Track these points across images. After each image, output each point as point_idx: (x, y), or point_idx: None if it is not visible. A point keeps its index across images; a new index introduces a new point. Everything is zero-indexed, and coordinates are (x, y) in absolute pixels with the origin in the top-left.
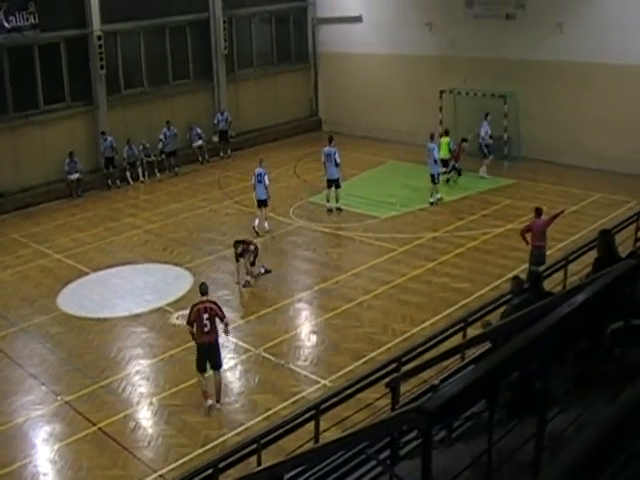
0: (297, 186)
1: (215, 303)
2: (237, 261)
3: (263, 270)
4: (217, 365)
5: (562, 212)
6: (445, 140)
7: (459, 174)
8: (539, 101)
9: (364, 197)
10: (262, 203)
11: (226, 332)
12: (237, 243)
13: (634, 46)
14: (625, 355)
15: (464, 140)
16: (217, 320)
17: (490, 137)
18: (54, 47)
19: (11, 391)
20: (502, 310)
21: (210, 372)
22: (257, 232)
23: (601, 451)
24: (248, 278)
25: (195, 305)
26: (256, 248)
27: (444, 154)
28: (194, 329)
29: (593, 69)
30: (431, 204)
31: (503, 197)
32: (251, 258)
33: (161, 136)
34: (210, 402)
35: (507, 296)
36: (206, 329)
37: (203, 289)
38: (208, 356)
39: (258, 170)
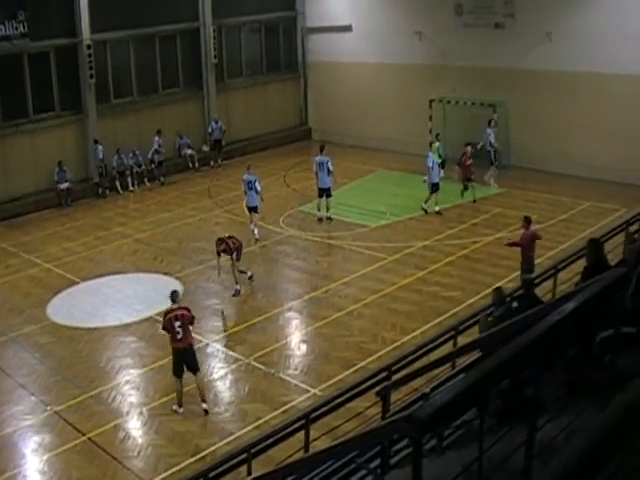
0: (287, 195)
1: (187, 309)
2: (218, 256)
3: (249, 274)
4: (195, 369)
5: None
6: (435, 145)
7: (465, 188)
8: (528, 110)
9: (354, 206)
10: (253, 210)
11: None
12: (220, 241)
13: (622, 55)
14: (614, 363)
15: (468, 144)
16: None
17: (490, 144)
18: (44, 56)
19: (0, 401)
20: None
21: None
22: (257, 239)
23: (591, 458)
24: (238, 287)
25: (167, 313)
26: (240, 245)
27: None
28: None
29: (581, 78)
30: (437, 212)
31: (493, 206)
32: (234, 256)
33: (156, 146)
34: (182, 409)
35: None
36: (179, 336)
37: (174, 297)
38: (184, 360)
39: (247, 177)
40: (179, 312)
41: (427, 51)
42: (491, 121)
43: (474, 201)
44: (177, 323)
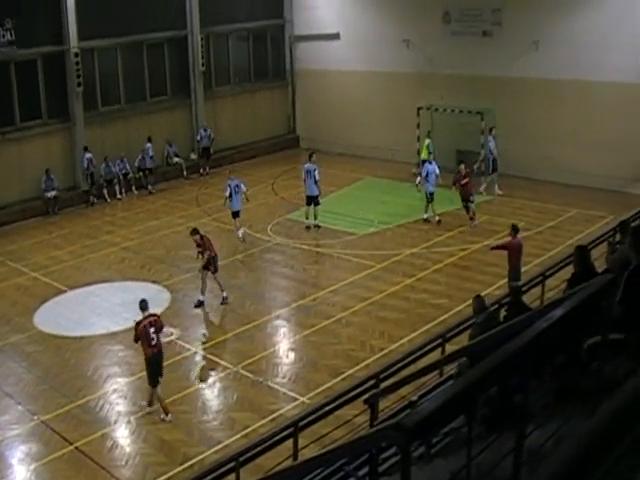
0: (275, 203)
1: (157, 315)
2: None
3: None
4: (161, 374)
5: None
6: (425, 143)
7: (466, 210)
8: (515, 117)
9: (342, 214)
10: (237, 214)
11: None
12: (195, 231)
13: (607, 63)
14: (602, 369)
15: (462, 163)
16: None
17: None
18: (31, 64)
19: None
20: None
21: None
22: (243, 240)
23: (579, 465)
24: (225, 294)
25: (140, 322)
26: (215, 256)
27: (424, 156)
28: (141, 344)
29: (568, 86)
30: (437, 221)
31: (480, 213)
32: (212, 269)
33: (151, 153)
34: (170, 416)
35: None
36: (153, 342)
37: (143, 305)
38: (157, 367)
39: (234, 182)
40: (151, 319)
41: (415, 59)
42: (492, 129)
43: (471, 219)
44: (152, 329)
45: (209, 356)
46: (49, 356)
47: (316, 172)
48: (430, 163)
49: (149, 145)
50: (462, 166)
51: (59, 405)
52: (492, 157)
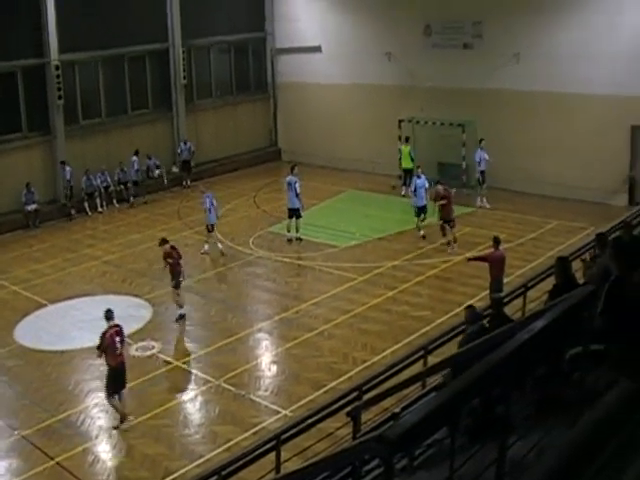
0: (257, 216)
1: (119, 326)
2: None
3: (180, 314)
4: (124, 385)
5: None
6: (406, 149)
7: (442, 231)
8: (496, 129)
9: (324, 226)
10: (213, 227)
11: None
12: (164, 242)
13: (587, 76)
14: (583, 380)
15: (439, 183)
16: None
17: (479, 163)
18: (11, 76)
19: None
20: (459, 339)
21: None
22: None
23: (561, 476)
24: (182, 312)
25: (106, 332)
26: (179, 273)
27: (406, 164)
28: (104, 354)
29: (548, 98)
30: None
31: (462, 225)
32: (173, 284)
33: (137, 166)
34: (126, 423)
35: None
36: (118, 351)
37: (109, 315)
38: (121, 377)
39: (209, 196)
40: (117, 328)
41: (396, 71)
42: (481, 141)
43: (448, 243)
44: (117, 338)
45: (191, 369)
46: (30, 370)
47: (297, 185)
48: (419, 177)
49: (135, 158)
50: (439, 187)
51: (40, 420)
52: (480, 169)
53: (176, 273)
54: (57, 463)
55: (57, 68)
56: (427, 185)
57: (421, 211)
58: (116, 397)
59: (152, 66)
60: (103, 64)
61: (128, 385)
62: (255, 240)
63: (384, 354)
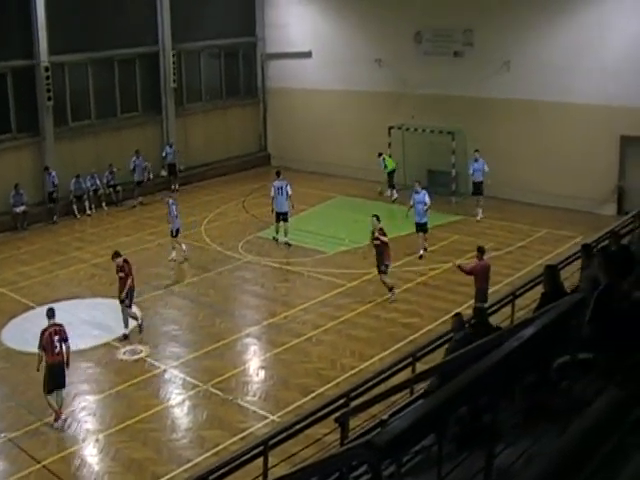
0: (246, 221)
1: (61, 326)
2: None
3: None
4: (64, 384)
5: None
6: (387, 158)
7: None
8: (486, 137)
9: (313, 232)
10: (178, 232)
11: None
12: (117, 255)
13: (576, 85)
14: (572, 389)
15: (375, 216)
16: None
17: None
18: (1, 77)
19: None
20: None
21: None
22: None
23: None
24: (140, 322)
25: (45, 330)
26: (132, 289)
27: (392, 166)
28: (44, 352)
29: (538, 106)
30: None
31: (450, 233)
32: (127, 301)
33: (132, 165)
34: (60, 421)
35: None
36: (57, 350)
37: (50, 313)
38: (57, 375)
39: (172, 201)
40: (57, 327)
41: (387, 78)
42: (477, 151)
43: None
44: (56, 337)
45: (178, 374)
46: (16, 373)
47: (288, 187)
48: (417, 192)
49: (134, 159)
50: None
51: (26, 422)
52: (476, 180)
53: (125, 288)
54: (43, 466)
55: (47, 70)
56: (427, 200)
57: (420, 228)
58: (54, 394)
59: (142, 69)
60: (93, 66)
61: (116, 389)
62: (244, 245)
63: (372, 361)
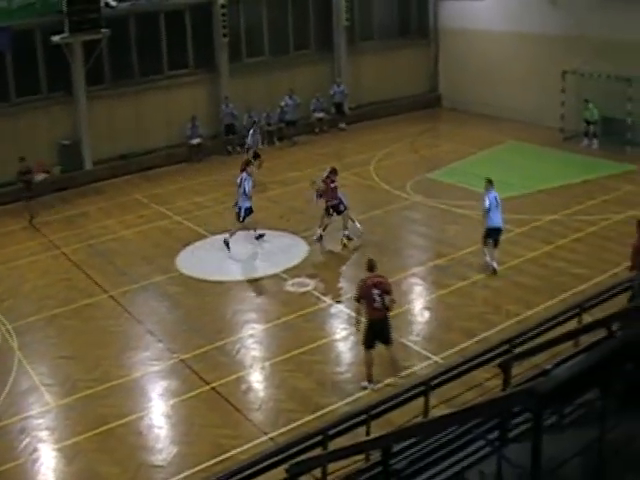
0: (415, 161)
1: (382, 277)
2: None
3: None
4: (388, 340)
5: None
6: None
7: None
8: None
9: (483, 176)
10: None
11: (389, 308)
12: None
13: None
14: None
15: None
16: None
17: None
18: (179, 15)
19: (130, 346)
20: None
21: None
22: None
23: None
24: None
25: (364, 281)
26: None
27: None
28: (363, 305)
29: None
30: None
31: (625, 183)
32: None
33: (282, 104)
34: (369, 384)
35: (626, 284)
36: (376, 304)
37: (371, 264)
38: (378, 332)
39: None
40: (377, 279)
41: (561, 20)
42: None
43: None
44: (376, 291)
45: (344, 309)
46: (190, 298)
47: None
48: (490, 192)
49: (287, 98)
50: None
51: (197, 346)
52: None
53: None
54: (212, 388)
55: (223, 7)
56: (486, 204)
57: (493, 234)
58: (371, 351)
59: (315, 6)
60: (267, 3)
61: (283, 319)
62: (412, 185)
63: (537, 309)
